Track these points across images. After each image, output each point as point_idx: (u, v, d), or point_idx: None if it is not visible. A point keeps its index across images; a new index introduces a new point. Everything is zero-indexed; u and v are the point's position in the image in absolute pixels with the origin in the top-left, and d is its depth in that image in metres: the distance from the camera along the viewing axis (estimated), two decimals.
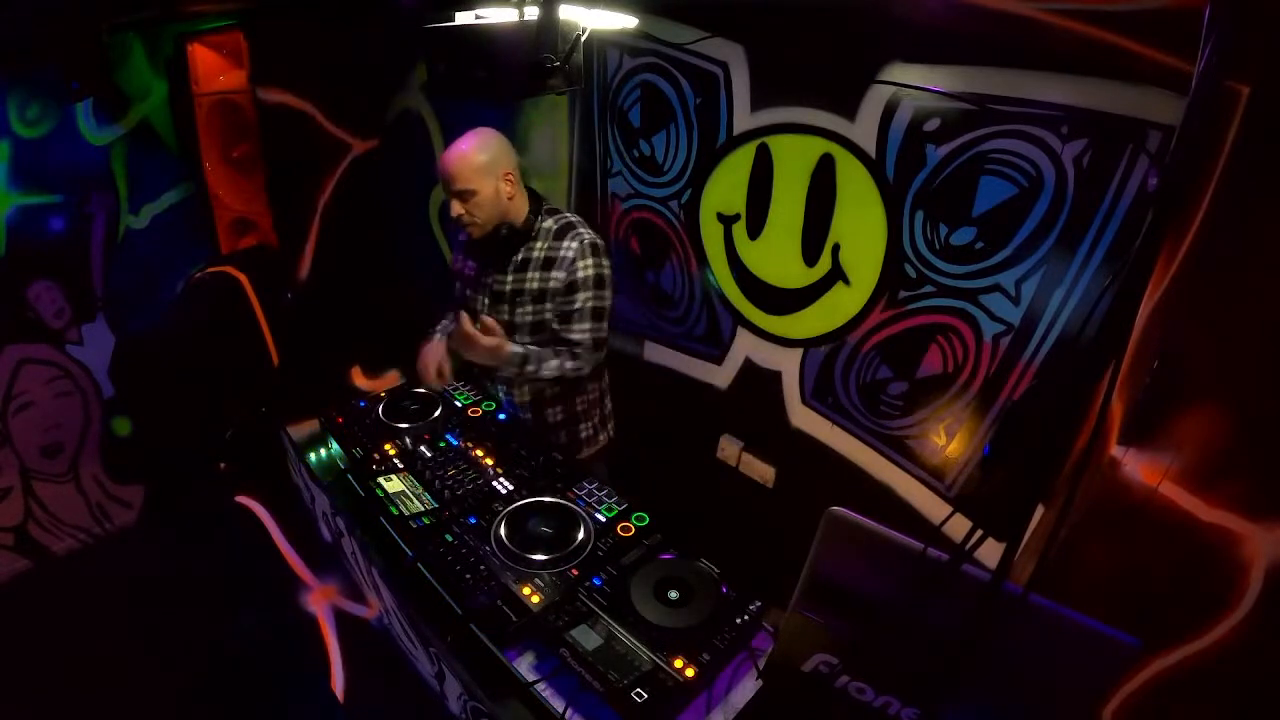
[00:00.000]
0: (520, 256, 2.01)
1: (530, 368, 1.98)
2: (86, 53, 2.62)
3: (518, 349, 1.96)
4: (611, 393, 2.34)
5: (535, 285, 2.00)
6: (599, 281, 1.99)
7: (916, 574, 1.04)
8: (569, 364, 2.02)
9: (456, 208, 1.91)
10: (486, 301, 2.09)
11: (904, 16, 1.71)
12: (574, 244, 1.96)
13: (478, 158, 1.87)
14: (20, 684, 2.46)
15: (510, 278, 2.02)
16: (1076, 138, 1.56)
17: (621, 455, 2.38)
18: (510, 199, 1.94)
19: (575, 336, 2.01)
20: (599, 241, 2.00)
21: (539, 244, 2.00)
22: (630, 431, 2.41)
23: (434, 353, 2.08)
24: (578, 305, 1.98)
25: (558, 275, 1.97)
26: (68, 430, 2.98)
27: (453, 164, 1.87)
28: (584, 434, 2.25)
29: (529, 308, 2.02)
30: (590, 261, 1.97)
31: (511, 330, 2.03)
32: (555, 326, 2.03)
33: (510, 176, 1.92)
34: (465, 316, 1.89)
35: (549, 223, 2.01)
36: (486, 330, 1.89)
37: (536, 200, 2.03)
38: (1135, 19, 1.36)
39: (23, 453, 2.86)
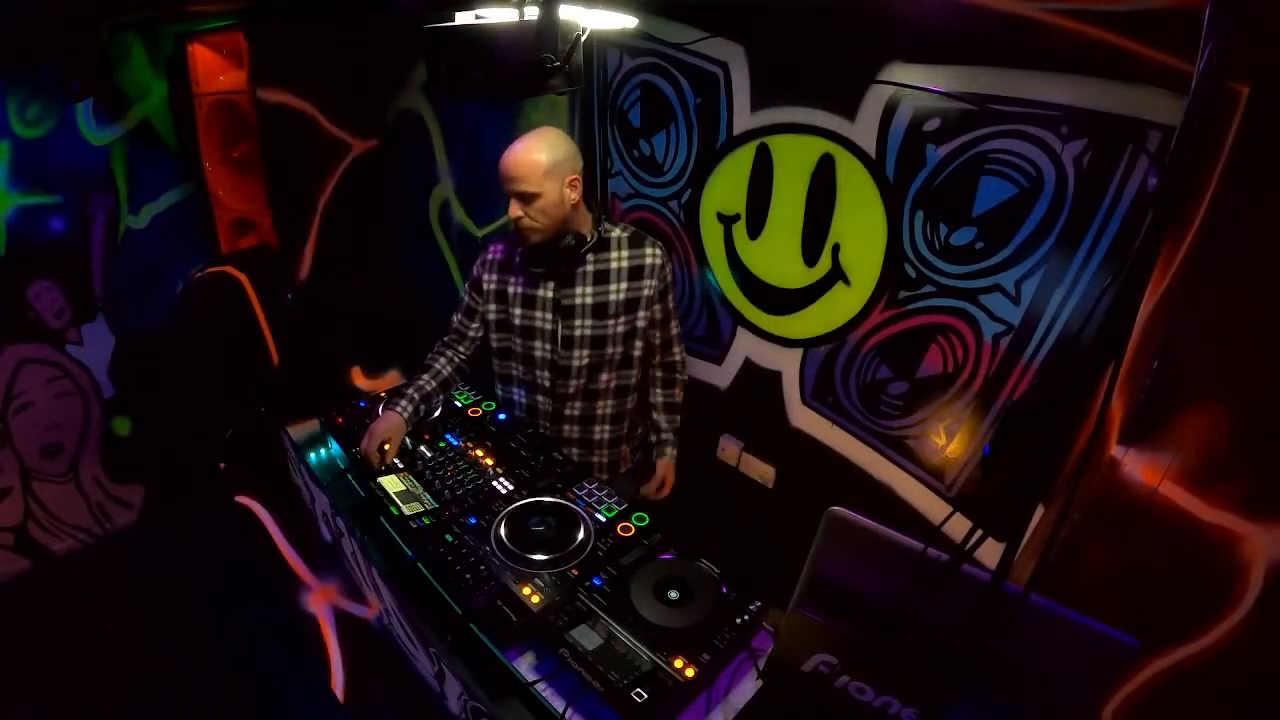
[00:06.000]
0: (593, 269, 1.89)
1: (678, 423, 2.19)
2: (86, 53, 2.62)
3: (671, 437, 2.18)
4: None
5: (625, 296, 1.92)
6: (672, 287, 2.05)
7: (916, 574, 1.04)
8: (678, 385, 2.16)
9: (516, 209, 1.76)
10: (553, 319, 1.93)
11: (904, 16, 1.71)
12: (656, 250, 1.92)
13: (543, 159, 1.72)
14: (20, 684, 2.46)
15: (589, 290, 1.90)
16: (1076, 138, 1.56)
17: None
18: (575, 206, 1.80)
19: (678, 355, 2.12)
20: None
21: (615, 253, 1.90)
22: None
23: (387, 430, 1.83)
24: (671, 306, 2.03)
25: (650, 283, 1.93)
26: (68, 430, 2.98)
27: (516, 164, 1.73)
28: (627, 448, 2.21)
29: (621, 318, 1.93)
30: (670, 267, 1.99)
31: (593, 344, 1.95)
32: (657, 361, 2.09)
33: (576, 182, 1.78)
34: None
35: (617, 231, 1.92)
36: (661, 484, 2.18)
37: (598, 208, 1.93)
38: (1135, 19, 1.36)
39: (23, 453, 2.85)
